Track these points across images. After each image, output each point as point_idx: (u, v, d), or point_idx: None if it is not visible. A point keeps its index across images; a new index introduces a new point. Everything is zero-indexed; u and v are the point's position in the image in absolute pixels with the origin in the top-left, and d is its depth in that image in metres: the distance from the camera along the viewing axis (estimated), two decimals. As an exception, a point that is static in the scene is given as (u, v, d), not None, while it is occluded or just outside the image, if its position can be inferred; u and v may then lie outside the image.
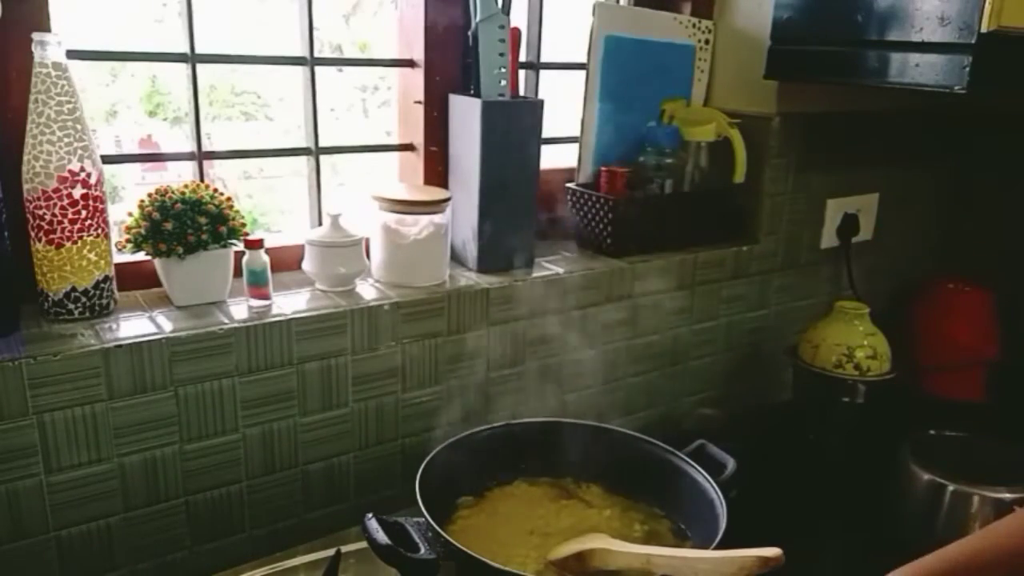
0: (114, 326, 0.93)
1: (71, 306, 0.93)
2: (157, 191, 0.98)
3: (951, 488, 1.05)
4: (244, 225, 1.02)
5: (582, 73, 1.27)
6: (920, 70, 1.05)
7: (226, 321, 0.96)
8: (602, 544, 0.83)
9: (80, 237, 0.91)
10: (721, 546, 0.81)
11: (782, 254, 1.44)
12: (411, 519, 0.84)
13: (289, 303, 1.02)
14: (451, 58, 1.19)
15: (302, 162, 1.18)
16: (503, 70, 1.14)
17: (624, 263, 1.25)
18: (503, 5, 1.12)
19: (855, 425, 1.30)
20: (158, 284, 1.02)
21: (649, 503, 0.99)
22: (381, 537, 0.78)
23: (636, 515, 0.96)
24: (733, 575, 0.75)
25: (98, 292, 0.94)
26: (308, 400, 1.02)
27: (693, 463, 0.95)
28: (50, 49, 0.86)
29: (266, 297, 1.01)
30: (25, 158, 0.88)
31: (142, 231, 0.96)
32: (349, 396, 1.05)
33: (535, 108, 1.16)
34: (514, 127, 1.14)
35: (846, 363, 1.30)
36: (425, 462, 0.91)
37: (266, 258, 1.01)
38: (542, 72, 1.35)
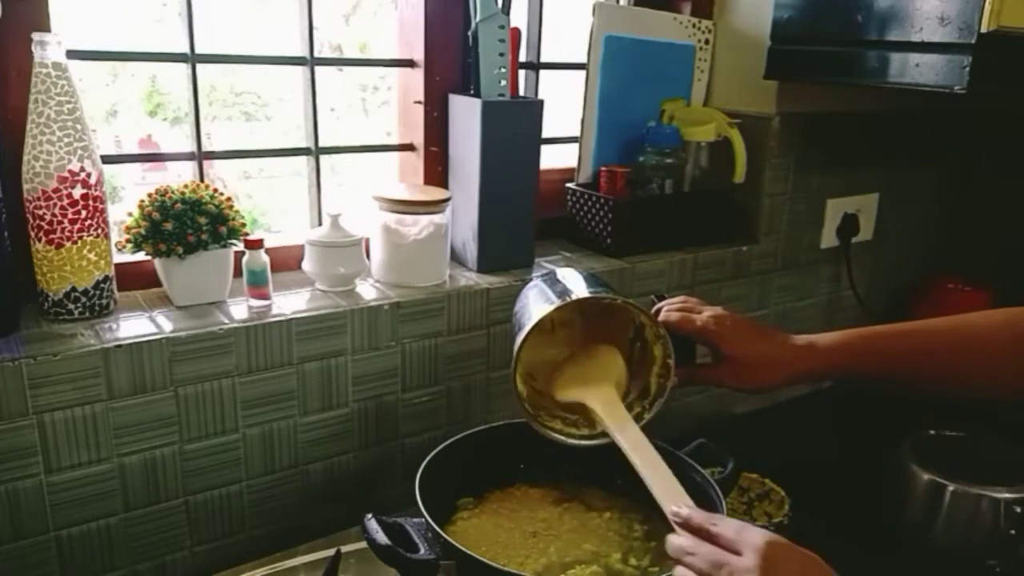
0: (114, 326, 0.93)
1: (71, 306, 0.93)
2: (157, 191, 0.98)
3: (951, 488, 1.05)
4: (244, 225, 1.02)
5: (582, 73, 1.27)
6: (920, 70, 1.05)
7: (226, 321, 0.96)
8: (597, 406, 0.89)
9: (80, 237, 0.91)
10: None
11: (782, 254, 1.44)
12: (411, 519, 0.84)
13: (289, 303, 1.02)
14: (451, 58, 1.19)
15: (302, 162, 1.18)
16: (503, 70, 1.14)
17: (624, 263, 1.25)
18: (503, 5, 1.12)
19: (855, 425, 1.30)
20: (158, 284, 1.02)
21: (650, 503, 0.98)
22: (381, 537, 0.78)
23: (636, 515, 0.96)
24: None
25: (98, 292, 0.94)
26: (308, 400, 1.02)
27: (693, 463, 0.95)
28: (50, 49, 0.86)
29: (266, 297, 1.01)
30: (25, 158, 0.88)
31: (142, 231, 0.96)
32: (349, 396, 1.05)
33: (535, 108, 1.16)
34: (514, 127, 1.14)
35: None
36: (425, 462, 0.91)
37: (266, 258, 1.01)
38: (542, 72, 1.35)
